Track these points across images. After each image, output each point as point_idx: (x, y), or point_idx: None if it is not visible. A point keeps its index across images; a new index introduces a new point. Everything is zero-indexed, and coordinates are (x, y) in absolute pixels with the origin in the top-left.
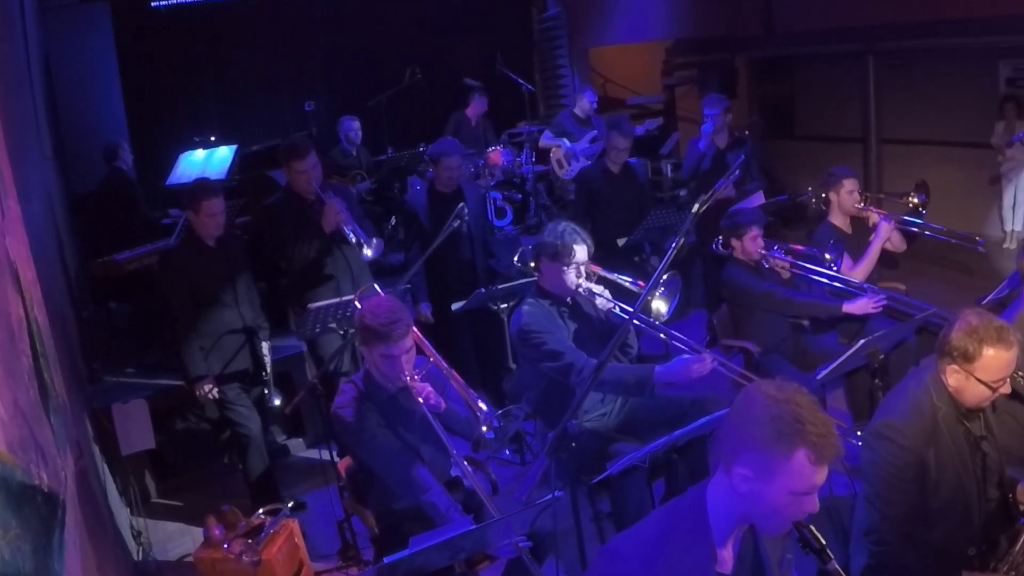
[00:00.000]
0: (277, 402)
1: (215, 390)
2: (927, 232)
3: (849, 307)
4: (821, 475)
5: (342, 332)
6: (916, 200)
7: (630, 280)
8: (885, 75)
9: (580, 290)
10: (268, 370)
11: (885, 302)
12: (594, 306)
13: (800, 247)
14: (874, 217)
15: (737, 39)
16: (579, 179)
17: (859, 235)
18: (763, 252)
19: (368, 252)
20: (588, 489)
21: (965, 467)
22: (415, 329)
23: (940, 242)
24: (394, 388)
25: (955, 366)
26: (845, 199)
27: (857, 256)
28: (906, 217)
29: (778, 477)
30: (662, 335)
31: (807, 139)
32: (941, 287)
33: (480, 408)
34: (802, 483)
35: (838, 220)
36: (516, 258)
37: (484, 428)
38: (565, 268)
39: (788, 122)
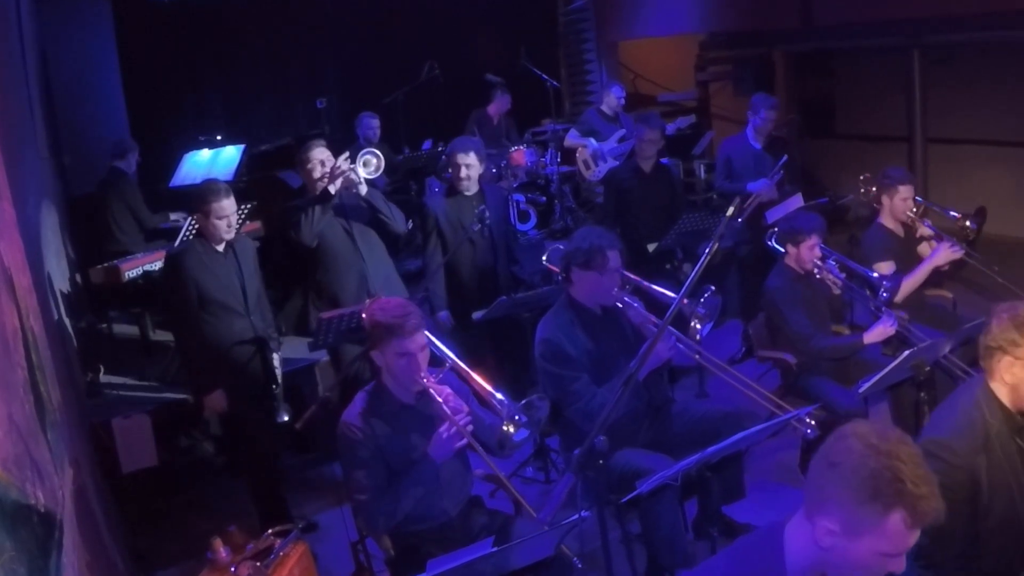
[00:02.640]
0: (286, 417)
1: (223, 404)
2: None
3: (869, 337)
4: (914, 537)
5: (359, 342)
6: (968, 226)
7: (669, 292)
8: (931, 70)
9: (615, 301)
10: (279, 383)
11: (896, 326)
12: (628, 319)
13: (857, 266)
14: (924, 231)
15: (774, 32)
16: (608, 179)
17: (910, 240)
18: (818, 263)
19: (362, 184)
20: (616, 509)
21: (1020, 486)
22: (427, 334)
23: (989, 251)
24: (409, 396)
25: (1008, 358)
26: (898, 205)
27: (905, 263)
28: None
29: (867, 537)
30: (697, 355)
31: (848, 138)
32: (990, 296)
33: (498, 399)
34: (893, 546)
35: (889, 223)
36: (545, 257)
37: (510, 428)
38: (598, 276)
39: (828, 120)
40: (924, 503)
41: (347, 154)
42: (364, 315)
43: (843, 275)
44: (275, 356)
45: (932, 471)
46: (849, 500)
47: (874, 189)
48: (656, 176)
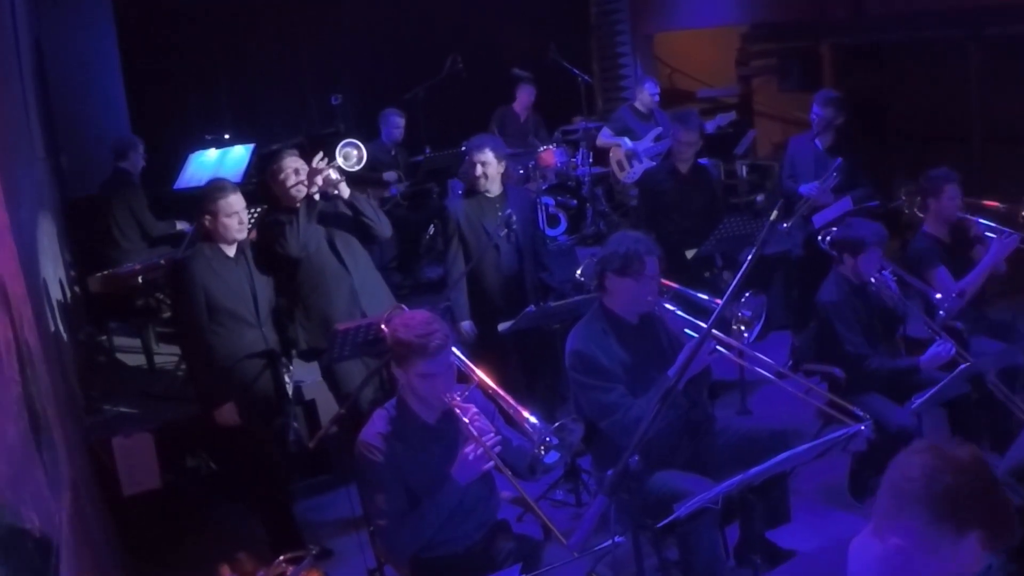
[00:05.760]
0: (293, 437)
1: (235, 417)
2: None
3: (926, 363)
4: (984, 561)
5: (366, 362)
6: None
7: (709, 298)
8: (991, 65)
9: (653, 309)
10: (291, 399)
11: (954, 353)
12: (665, 328)
13: (916, 282)
14: (975, 228)
15: (822, 24)
16: (643, 181)
17: (958, 243)
18: (877, 276)
19: (342, 184)
20: (652, 534)
21: None
22: (455, 350)
23: None
24: (432, 417)
25: None
26: (946, 206)
27: (954, 270)
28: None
29: (939, 557)
30: (740, 360)
31: (902, 137)
32: None
33: (530, 422)
34: (965, 568)
35: (935, 228)
36: (579, 271)
37: (541, 451)
38: (634, 283)
39: (880, 118)
40: (1004, 526)
41: (321, 154)
42: (385, 328)
43: (896, 289)
44: (286, 371)
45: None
46: (924, 517)
47: (918, 197)
48: (694, 178)
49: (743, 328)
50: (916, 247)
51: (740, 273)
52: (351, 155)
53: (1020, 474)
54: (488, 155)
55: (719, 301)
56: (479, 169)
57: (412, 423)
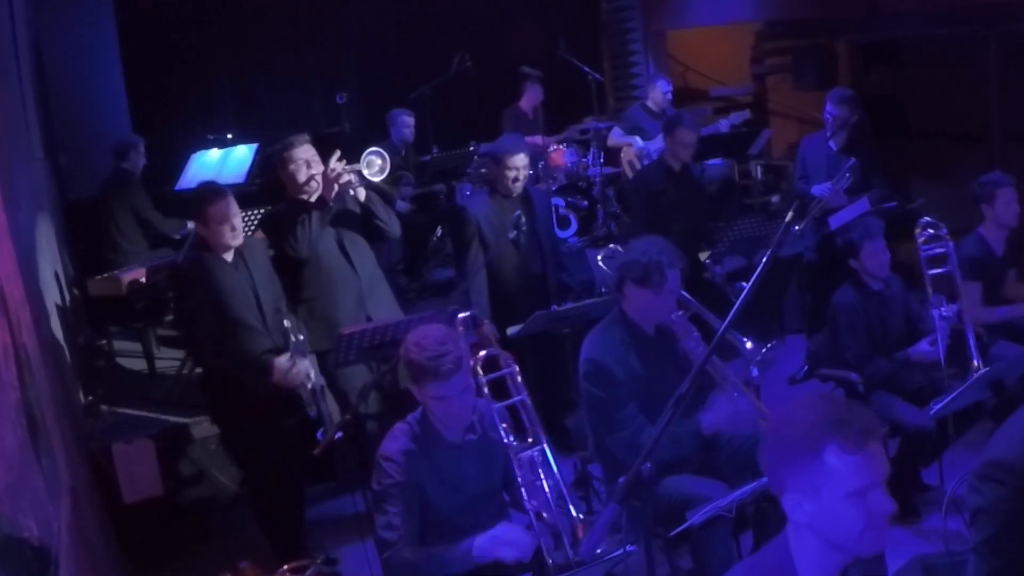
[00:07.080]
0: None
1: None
2: None
3: (913, 355)
4: (872, 464)
5: (371, 367)
6: None
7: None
8: (1010, 62)
9: (672, 325)
10: (318, 394)
11: (940, 358)
12: (681, 343)
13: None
14: None
15: (838, 20)
16: (640, 184)
17: (1012, 252)
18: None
19: (360, 188)
20: (665, 543)
21: None
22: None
23: None
24: (453, 435)
25: None
26: (1001, 212)
27: (996, 285)
28: None
29: (823, 486)
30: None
31: (919, 136)
32: None
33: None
34: (852, 480)
35: (991, 234)
36: (600, 256)
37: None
38: (652, 295)
39: (897, 117)
40: (846, 423)
41: (338, 153)
42: (402, 341)
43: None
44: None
45: (992, 496)
46: (789, 463)
47: (977, 204)
48: (686, 176)
49: (755, 369)
50: (964, 253)
51: (753, 279)
52: (374, 163)
53: (981, 474)
54: (523, 159)
55: (743, 340)
56: (518, 174)
57: (436, 443)
